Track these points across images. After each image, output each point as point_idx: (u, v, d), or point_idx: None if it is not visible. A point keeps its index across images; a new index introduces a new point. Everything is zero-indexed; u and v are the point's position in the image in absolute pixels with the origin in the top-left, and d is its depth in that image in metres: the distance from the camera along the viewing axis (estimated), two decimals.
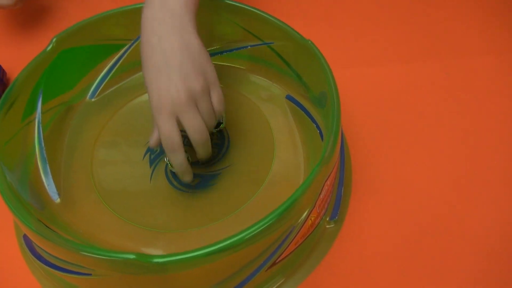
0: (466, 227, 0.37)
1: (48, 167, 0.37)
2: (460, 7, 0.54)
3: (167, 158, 0.35)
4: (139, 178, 0.39)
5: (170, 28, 0.32)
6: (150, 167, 0.40)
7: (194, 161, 0.40)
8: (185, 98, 0.31)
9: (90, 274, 0.29)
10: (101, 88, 0.44)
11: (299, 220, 0.30)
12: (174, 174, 0.40)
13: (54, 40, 0.39)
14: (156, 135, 0.35)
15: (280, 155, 0.40)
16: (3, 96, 0.35)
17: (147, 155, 0.41)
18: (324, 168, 0.30)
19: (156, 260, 0.26)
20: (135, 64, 0.46)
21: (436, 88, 0.47)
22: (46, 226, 0.32)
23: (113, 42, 0.44)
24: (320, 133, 0.37)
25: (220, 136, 0.42)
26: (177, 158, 0.33)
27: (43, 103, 0.39)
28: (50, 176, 0.37)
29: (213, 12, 0.44)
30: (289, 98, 0.44)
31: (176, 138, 0.32)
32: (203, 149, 0.35)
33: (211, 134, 0.42)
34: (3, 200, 0.30)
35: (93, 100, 0.44)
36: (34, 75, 0.38)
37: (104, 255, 0.26)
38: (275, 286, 0.34)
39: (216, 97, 0.34)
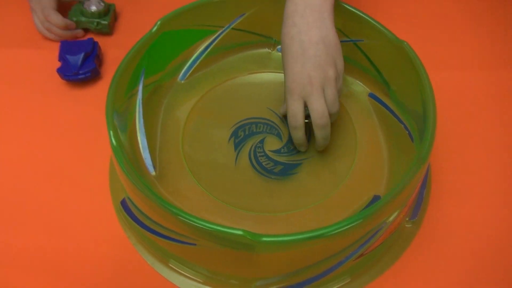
0: None
1: (146, 140, 0.40)
2: None
3: (290, 132, 0.39)
4: (225, 160, 0.41)
5: (310, 21, 0.36)
6: (235, 150, 0.42)
7: (275, 150, 0.42)
8: (314, 85, 0.35)
9: (194, 244, 0.31)
10: (191, 70, 0.47)
11: (392, 217, 0.31)
12: (257, 160, 0.42)
13: (158, 23, 0.41)
14: (285, 109, 0.40)
15: (362, 151, 0.41)
16: (116, 70, 0.38)
17: (232, 139, 0.43)
18: (422, 168, 0.31)
19: (264, 239, 0.28)
20: (224, 49, 0.48)
21: None
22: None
23: (206, 28, 0.46)
24: (409, 133, 0.38)
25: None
26: (298, 134, 0.39)
27: (135, 79, 0.42)
28: (147, 150, 0.40)
29: None
30: (372, 96, 0.45)
31: (300, 117, 0.37)
32: (322, 132, 0.37)
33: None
34: (118, 162, 0.32)
35: (183, 81, 0.46)
36: (139, 54, 0.40)
37: (214, 228, 0.29)
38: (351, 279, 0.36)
39: (339, 86, 0.37)
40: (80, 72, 0.47)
